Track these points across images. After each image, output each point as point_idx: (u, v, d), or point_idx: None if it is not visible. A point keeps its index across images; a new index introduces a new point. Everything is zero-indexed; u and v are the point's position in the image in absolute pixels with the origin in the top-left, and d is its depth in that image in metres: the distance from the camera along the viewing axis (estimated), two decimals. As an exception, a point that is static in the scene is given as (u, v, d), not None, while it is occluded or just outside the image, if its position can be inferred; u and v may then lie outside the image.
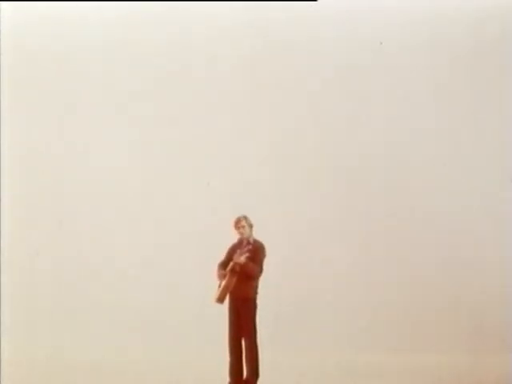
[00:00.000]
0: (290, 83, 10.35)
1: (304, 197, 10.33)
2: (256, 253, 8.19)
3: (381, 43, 10.23)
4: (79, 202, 10.46)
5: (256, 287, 8.24)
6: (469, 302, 10.14)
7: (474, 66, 10.26)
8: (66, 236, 10.40)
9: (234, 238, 8.36)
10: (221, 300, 8.09)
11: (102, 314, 10.28)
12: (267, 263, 8.22)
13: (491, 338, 9.96)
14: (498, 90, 10.21)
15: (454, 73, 10.30)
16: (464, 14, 10.10)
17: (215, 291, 8.13)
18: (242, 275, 8.12)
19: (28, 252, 10.27)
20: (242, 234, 8.29)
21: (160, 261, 10.33)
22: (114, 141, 10.43)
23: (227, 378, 8.30)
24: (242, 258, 8.12)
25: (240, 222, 8.28)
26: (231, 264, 8.17)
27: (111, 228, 10.43)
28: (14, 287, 9.93)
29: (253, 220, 8.29)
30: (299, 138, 10.38)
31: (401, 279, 10.26)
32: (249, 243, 8.25)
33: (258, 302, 8.23)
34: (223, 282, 8.13)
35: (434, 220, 10.31)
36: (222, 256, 8.35)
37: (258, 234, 8.28)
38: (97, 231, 10.43)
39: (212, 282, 8.21)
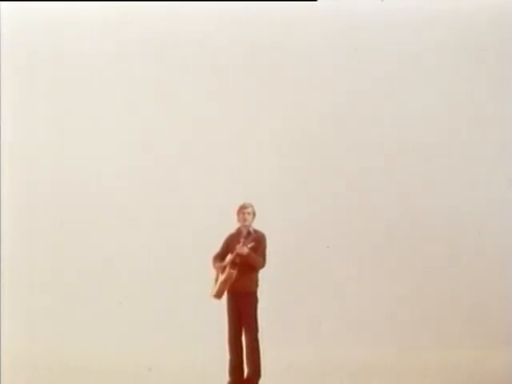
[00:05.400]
0: (289, 82, 10.02)
1: (306, 187, 9.97)
2: (258, 243, 7.58)
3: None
4: (79, 202, 10.12)
5: (257, 280, 7.62)
6: (470, 299, 9.80)
7: (475, 65, 9.94)
8: (66, 236, 10.05)
9: (232, 229, 7.81)
10: (219, 295, 7.50)
11: (101, 314, 9.90)
12: (268, 255, 7.68)
13: (492, 334, 9.62)
14: (498, 89, 9.88)
15: (455, 72, 9.96)
16: (464, 13, 9.80)
17: (212, 285, 7.59)
18: (242, 267, 7.48)
19: (28, 252, 9.91)
20: (245, 220, 7.63)
21: (159, 258, 9.94)
22: (115, 139, 10.09)
23: (227, 377, 7.77)
24: (244, 249, 7.46)
25: (247, 208, 7.63)
26: (232, 255, 7.50)
27: (111, 228, 10.07)
28: (14, 287, 9.61)
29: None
30: (299, 133, 10.01)
31: (402, 275, 9.89)
32: (249, 233, 7.62)
33: (259, 295, 7.66)
34: (221, 276, 7.49)
35: (436, 217, 9.95)
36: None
37: (259, 225, 7.73)
38: (97, 231, 10.08)
39: (210, 276, 7.68)
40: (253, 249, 7.47)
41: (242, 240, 7.54)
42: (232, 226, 7.74)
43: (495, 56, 9.77)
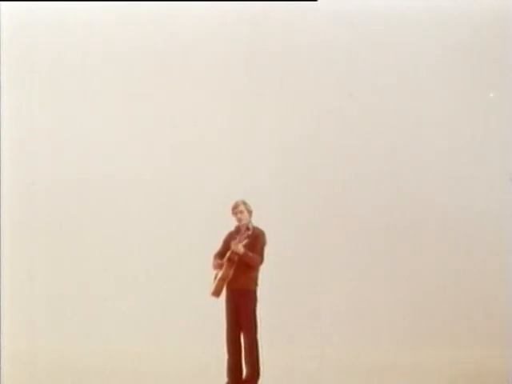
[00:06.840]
0: (289, 82, 9.94)
1: (306, 184, 9.90)
2: (255, 240, 7.35)
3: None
4: (79, 202, 10.07)
5: (256, 278, 7.41)
6: (470, 299, 9.74)
7: (475, 64, 9.90)
8: (66, 237, 10.00)
9: (232, 226, 7.64)
10: (217, 293, 7.31)
11: (101, 314, 9.84)
12: (268, 252, 7.51)
13: (492, 334, 9.52)
14: (498, 87, 9.83)
15: (455, 71, 9.93)
16: (465, 13, 9.78)
17: (211, 284, 7.41)
18: (240, 265, 7.29)
19: (28, 253, 9.85)
20: (239, 219, 7.42)
21: (159, 258, 9.88)
22: (115, 139, 10.04)
23: (225, 378, 7.63)
24: (239, 247, 7.27)
25: (238, 207, 7.41)
26: (228, 253, 7.32)
27: (111, 228, 10.03)
28: (14, 287, 9.55)
29: (253, 207, 7.55)
30: (299, 132, 9.96)
31: (402, 275, 9.84)
32: (247, 230, 7.39)
33: (259, 294, 7.50)
34: (219, 274, 7.31)
35: (436, 216, 9.91)
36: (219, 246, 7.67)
37: (258, 222, 7.53)
38: (97, 232, 10.04)
39: (209, 275, 7.52)
40: (249, 246, 7.29)
41: (236, 237, 7.39)
42: (233, 224, 7.60)
43: (495, 55, 9.69)
